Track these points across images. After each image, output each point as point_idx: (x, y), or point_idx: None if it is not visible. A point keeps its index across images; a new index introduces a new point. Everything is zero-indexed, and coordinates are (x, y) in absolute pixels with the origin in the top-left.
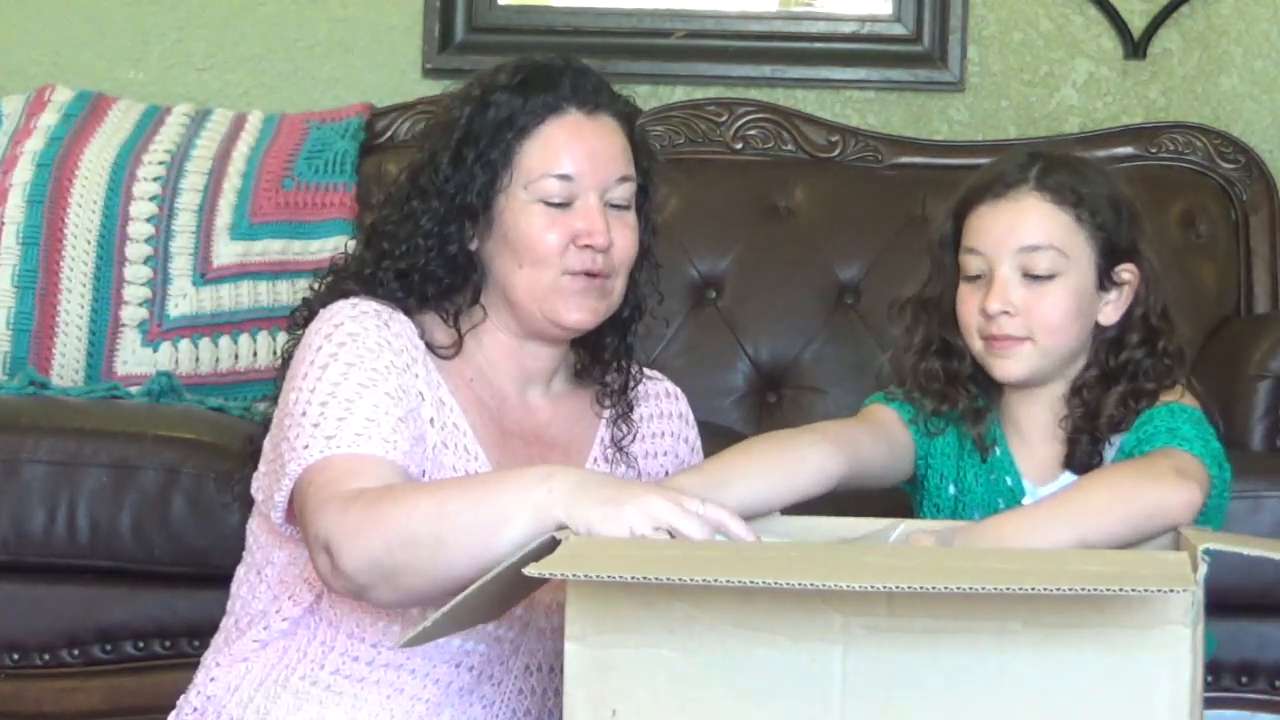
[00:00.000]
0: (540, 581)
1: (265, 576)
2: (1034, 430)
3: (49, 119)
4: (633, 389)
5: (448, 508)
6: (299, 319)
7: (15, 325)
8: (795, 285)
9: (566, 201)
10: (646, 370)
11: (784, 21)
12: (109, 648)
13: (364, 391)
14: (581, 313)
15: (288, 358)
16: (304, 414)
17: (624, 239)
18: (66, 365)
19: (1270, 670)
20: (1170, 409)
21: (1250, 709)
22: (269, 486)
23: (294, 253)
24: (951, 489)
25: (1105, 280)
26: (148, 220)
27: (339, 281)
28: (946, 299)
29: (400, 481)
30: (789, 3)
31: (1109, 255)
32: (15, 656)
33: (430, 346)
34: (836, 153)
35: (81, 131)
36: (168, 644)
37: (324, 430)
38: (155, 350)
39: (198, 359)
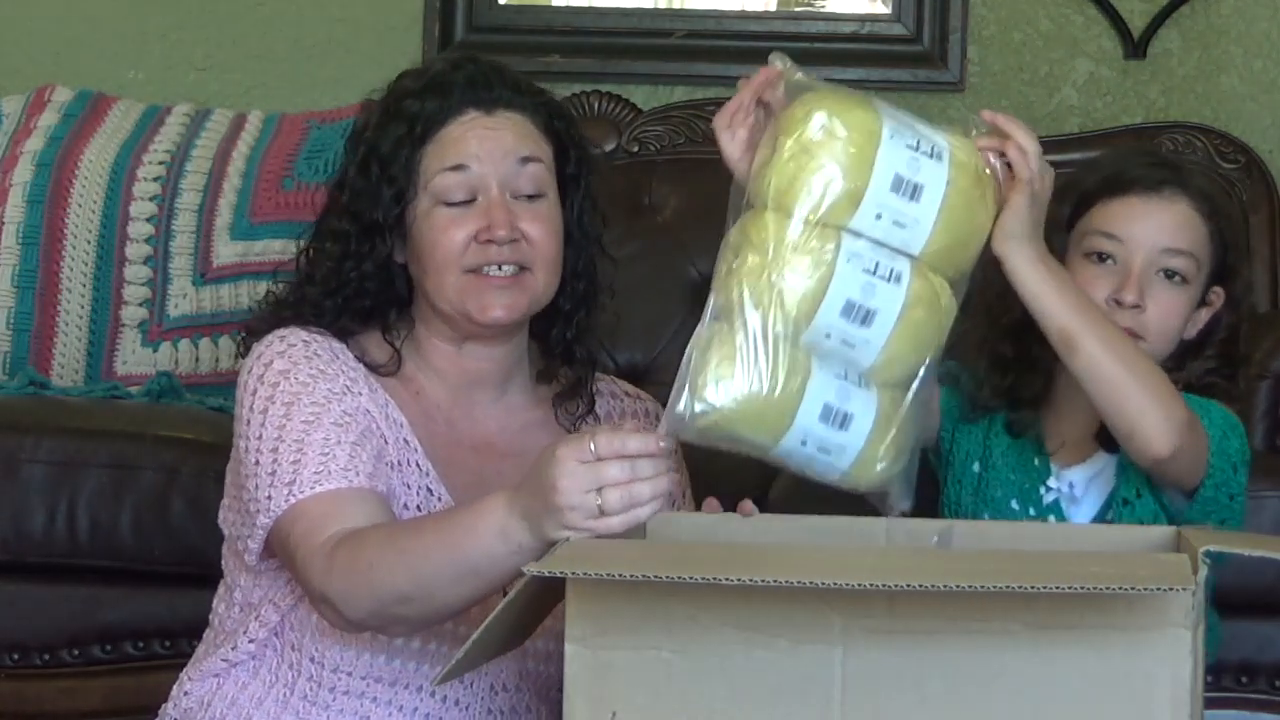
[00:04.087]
0: (559, 598)
1: (235, 599)
2: (1074, 416)
3: (49, 119)
4: (590, 384)
5: (424, 569)
6: (240, 351)
7: (15, 325)
8: None
9: (469, 199)
10: (628, 388)
11: (784, 21)
12: (109, 648)
13: (310, 428)
14: (498, 309)
15: None
16: (257, 463)
17: (538, 230)
18: (66, 365)
19: (1270, 670)
20: (1211, 403)
21: (1250, 709)
22: (235, 523)
23: (294, 253)
24: (976, 466)
25: (1201, 298)
26: (148, 220)
27: (276, 309)
28: None
29: (371, 508)
30: (789, 3)
31: (1215, 274)
32: (15, 656)
33: (371, 367)
34: None
35: (81, 131)
36: (168, 644)
37: (282, 478)
38: (155, 350)
39: (198, 359)
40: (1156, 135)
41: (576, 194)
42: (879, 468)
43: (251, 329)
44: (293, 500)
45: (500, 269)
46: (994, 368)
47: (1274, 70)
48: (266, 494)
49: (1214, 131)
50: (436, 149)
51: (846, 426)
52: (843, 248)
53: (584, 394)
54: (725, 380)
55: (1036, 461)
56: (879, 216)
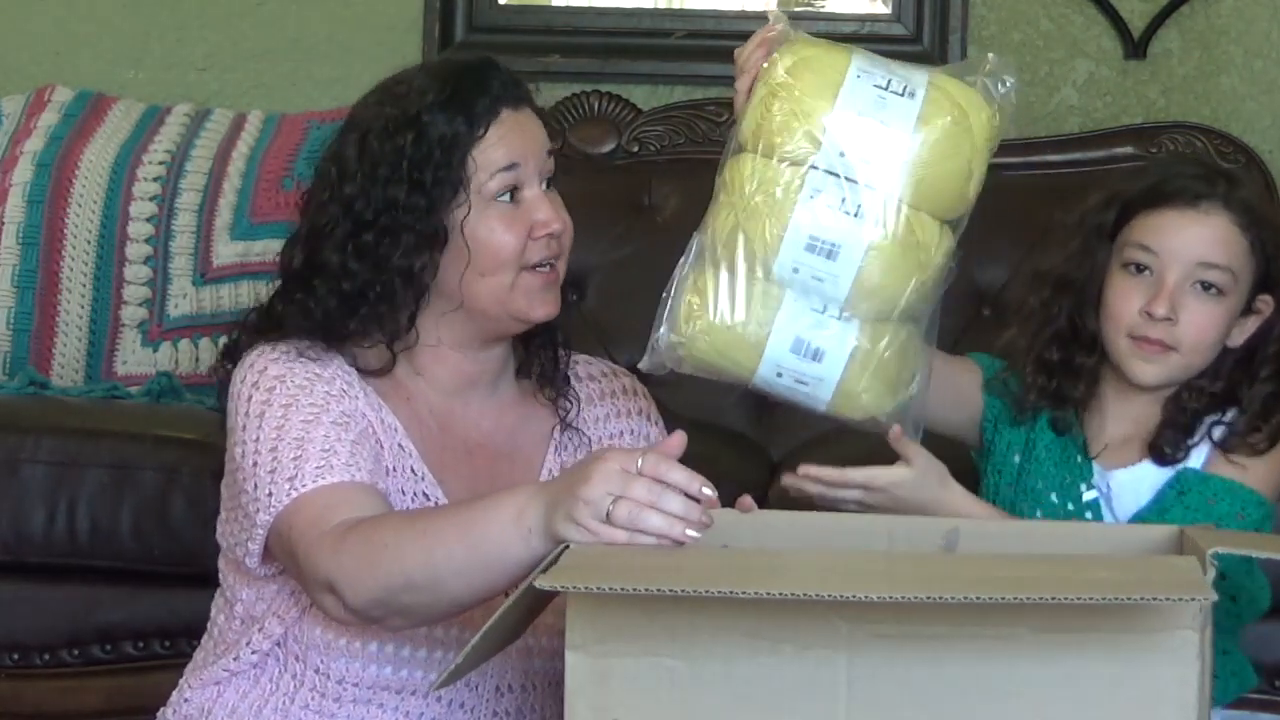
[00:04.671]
0: (553, 596)
1: (236, 611)
2: (1119, 420)
3: (49, 119)
4: (565, 363)
5: (436, 553)
6: (223, 369)
7: (15, 325)
8: None
9: (513, 195)
10: (605, 366)
11: None
12: (109, 648)
13: (310, 427)
14: (548, 306)
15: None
16: (255, 464)
17: (567, 217)
18: (66, 365)
19: (1270, 670)
20: (1242, 499)
21: (1250, 709)
22: (234, 533)
23: None
24: (1017, 458)
25: (1246, 305)
26: (148, 220)
27: (267, 320)
28: (1091, 284)
29: (375, 502)
30: (789, 3)
31: (1259, 283)
32: (15, 656)
33: (363, 371)
34: None
35: (81, 131)
36: (168, 644)
37: (283, 474)
38: (155, 350)
39: (198, 359)
40: (1156, 135)
41: (555, 180)
42: (863, 400)
43: (250, 328)
44: (295, 494)
45: (547, 264)
46: (1039, 370)
47: (1274, 70)
48: (268, 491)
49: (1214, 131)
50: (484, 151)
51: (820, 359)
52: (807, 184)
53: (560, 375)
54: (697, 313)
55: (1079, 459)
56: (843, 154)
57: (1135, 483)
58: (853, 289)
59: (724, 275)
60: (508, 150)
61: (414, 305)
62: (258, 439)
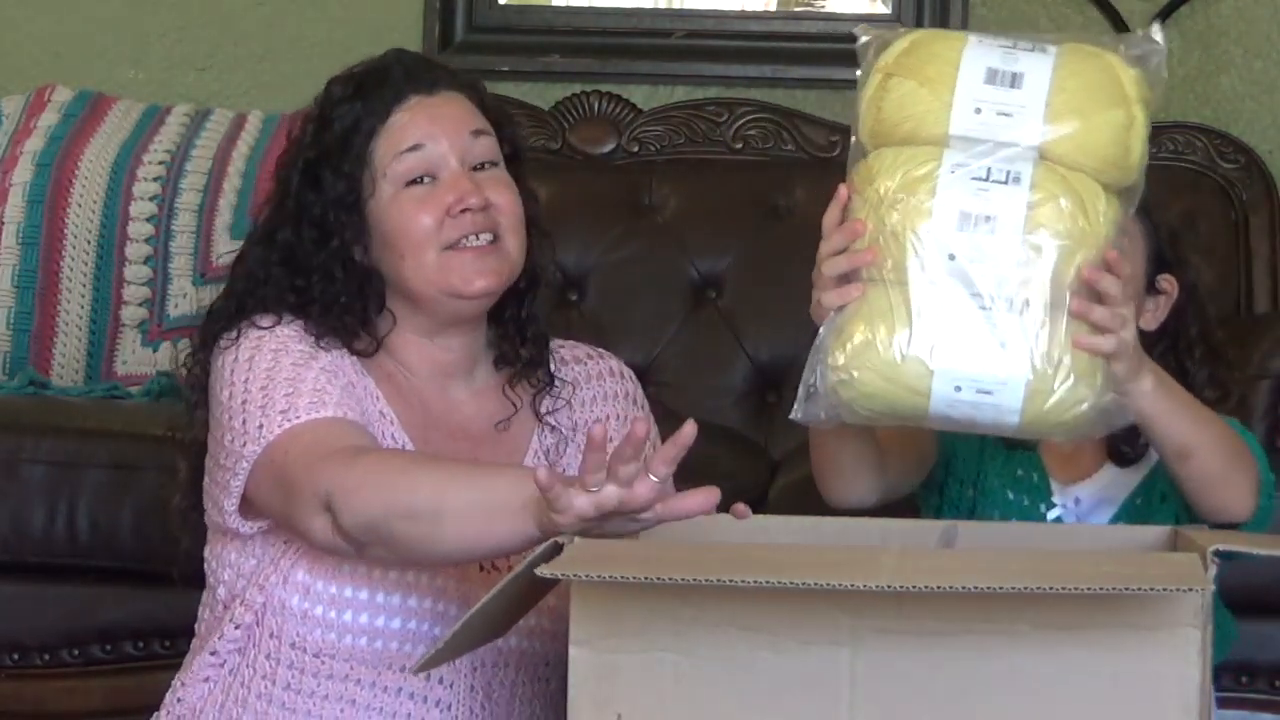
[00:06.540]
0: (545, 589)
1: (219, 596)
2: None
3: (49, 119)
4: (552, 361)
5: (450, 487)
6: (186, 362)
7: (15, 325)
8: (796, 285)
9: (430, 176)
10: (589, 349)
11: (784, 21)
12: (109, 648)
13: (301, 370)
14: (483, 278)
15: (190, 398)
16: (245, 403)
17: (503, 196)
18: (66, 365)
19: (1270, 670)
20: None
21: (1250, 709)
22: (220, 481)
23: None
24: (970, 491)
25: (1149, 285)
26: (148, 220)
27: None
28: None
29: (369, 440)
30: (789, 3)
31: (1155, 261)
32: (15, 656)
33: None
34: (836, 153)
35: (81, 131)
36: (168, 644)
37: (275, 408)
38: (155, 350)
39: None
40: (1156, 135)
41: (517, 172)
42: (1061, 396)
43: (203, 338)
44: (288, 425)
45: (477, 238)
46: None
47: (1274, 70)
48: (258, 424)
49: (1214, 131)
50: (387, 136)
51: (1002, 355)
52: (945, 160)
53: (543, 370)
54: (853, 340)
55: (1035, 478)
56: (978, 111)
57: (1104, 490)
58: (1020, 265)
59: (876, 290)
60: (413, 132)
61: (360, 294)
62: (247, 380)
